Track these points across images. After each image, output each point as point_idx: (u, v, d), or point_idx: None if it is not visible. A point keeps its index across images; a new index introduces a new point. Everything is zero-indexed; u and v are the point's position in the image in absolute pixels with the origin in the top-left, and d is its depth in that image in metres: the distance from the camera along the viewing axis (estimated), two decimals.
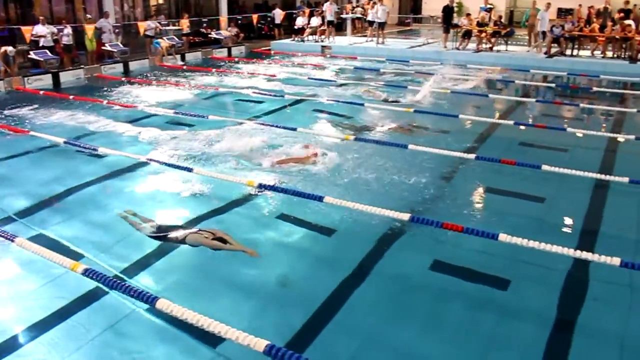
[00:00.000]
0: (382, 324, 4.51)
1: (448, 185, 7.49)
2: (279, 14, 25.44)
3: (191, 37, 21.98)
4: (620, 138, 9.65)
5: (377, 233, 5.91)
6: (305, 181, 7.31)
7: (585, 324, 4.48)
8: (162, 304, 4.22)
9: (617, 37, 19.30)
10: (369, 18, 23.75)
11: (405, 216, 5.93)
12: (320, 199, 6.39)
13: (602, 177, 7.37)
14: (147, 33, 19.13)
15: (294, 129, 9.75)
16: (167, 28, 20.38)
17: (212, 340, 4.06)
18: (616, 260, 4.88)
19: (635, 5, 20.36)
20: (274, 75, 16.16)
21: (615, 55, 19.48)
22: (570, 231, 6.25)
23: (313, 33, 23.88)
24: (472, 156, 8.26)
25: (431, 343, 4.33)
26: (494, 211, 6.66)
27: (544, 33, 19.88)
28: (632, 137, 9.36)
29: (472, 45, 21.23)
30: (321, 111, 11.67)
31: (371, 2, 24.60)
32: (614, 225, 6.24)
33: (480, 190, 7.40)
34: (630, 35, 19.07)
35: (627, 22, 19.47)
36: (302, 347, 4.15)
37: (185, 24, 21.11)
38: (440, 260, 5.43)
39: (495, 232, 5.38)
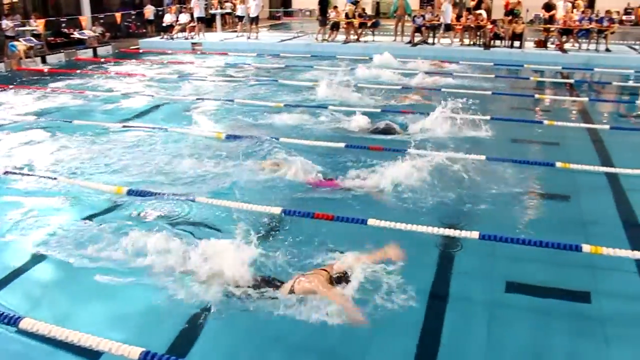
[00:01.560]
0: None
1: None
2: (150, 11, 24.67)
3: (52, 38, 20.76)
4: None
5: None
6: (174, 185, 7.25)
7: None
8: (26, 324, 4.05)
9: (472, 25, 20.71)
10: (238, 13, 23.68)
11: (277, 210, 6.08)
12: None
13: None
14: (7, 34, 17.84)
15: (165, 130, 9.60)
16: (23, 29, 19.08)
17: (88, 355, 3.96)
18: None
19: None
20: (144, 75, 15.72)
21: (471, 43, 20.89)
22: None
23: (182, 30, 23.43)
24: (341, 145, 8.57)
25: None
26: None
27: (446, 25, 20.86)
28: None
29: (340, 37, 21.87)
30: (192, 110, 11.50)
31: None
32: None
33: None
34: (483, 24, 20.53)
35: (479, 11, 20.95)
36: None
37: (41, 23, 19.85)
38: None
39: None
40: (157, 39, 23.41)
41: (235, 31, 24.72)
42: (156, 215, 6.32)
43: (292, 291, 4.53)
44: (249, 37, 22.63)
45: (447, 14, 20.62)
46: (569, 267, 5.38)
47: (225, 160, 8.05)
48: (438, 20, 21.23)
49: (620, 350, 4.23)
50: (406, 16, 21.83)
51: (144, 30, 24.91)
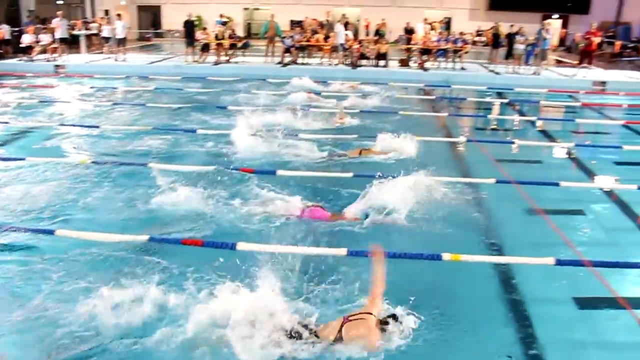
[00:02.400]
0: None
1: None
2: (5, 30, 23.08)
3: None
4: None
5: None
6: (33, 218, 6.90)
7: None
8: None
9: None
10: (104, 34, 22.87)
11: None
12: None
13: None
14: None
15: (22, 159, 9.08)
16: None
17: None
18: None
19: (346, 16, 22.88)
20: None
21: (341, 62, 21.72)
22: None
23: (43, 51, 22.20)
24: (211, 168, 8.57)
25: None
26: None
27: (342, 45, 21.36)
28: None
29: (211, 58, 21.84)
30: (54, 136, 10.94)
31: (106, 17, 23.77)
32: None
33: None
34: (349, 44, 21.42)
35: (346, 32, 21.84)
36: None
37: None
38: None
39: None
40: (14, 60, 22.00)
41: (102, 52, 23.83)
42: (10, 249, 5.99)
43: (339, 338, 4.30)
44: (116, 59, 21.95)
45: (340, 35, 21.37)
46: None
47: (91, 188, 7.78)
48: (308, 41, 21.87)
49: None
50: (277, 37, 22.25)
51: (2, 51, 23.31)
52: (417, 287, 5.30)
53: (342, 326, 4.33)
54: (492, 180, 8.42)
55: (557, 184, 8.47)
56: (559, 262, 5.86)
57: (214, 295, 4.73)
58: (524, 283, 5.64)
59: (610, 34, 29.56)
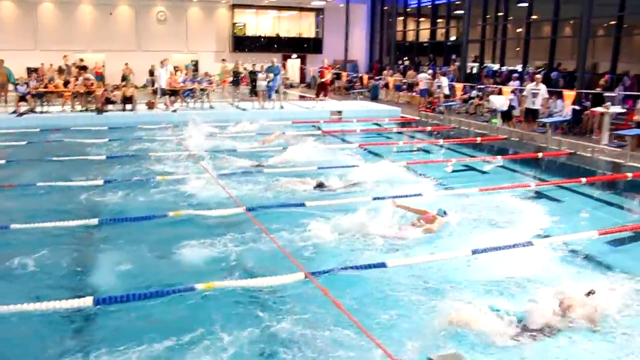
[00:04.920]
0: None
1: None
2: None
3: None
4: None
5: None
6: None
7: None
8: None
9: (81, 91, 20.75)
10: None
11: None
12: None
13: None
14: None
15: None
16: None
17: None
18: None
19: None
20: None
21: (84, 108, 20.86)
22: None
23: None
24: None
25: None
26: None
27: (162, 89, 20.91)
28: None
29: None
30: None
31: None
32: None
33: None
34: (93, 89, 20.78)
35: (86, 75, 21.15)
36: None
37: None
38: None
39: None
40: None
41: None
42: None
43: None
44: None
45: (162, 78, 20.85)
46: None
47: None
48: (46, 88, 20.66)
49: None
50: (9, 84, 20.65)
51: None
52: None
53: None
54: None
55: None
56: None
57: None
58: None
59: (338, 70, 33.01)
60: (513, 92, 18.99)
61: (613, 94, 17.08)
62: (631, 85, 19.14)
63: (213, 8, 35.26)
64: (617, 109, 15.90)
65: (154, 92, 22.15)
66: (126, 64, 23.13)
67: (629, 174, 11.98)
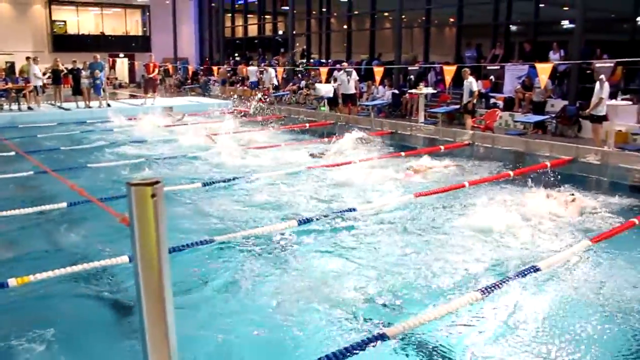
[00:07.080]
0: None
1: None
2: None
3: None
4: None
5: None
6: None
7: None
8: None
9: None
10: None
11: None
12: None
13: None
14: None
15: None
16: None
17: None
18: None
19: None
20: None
21: None
22: None
23: None
24: None
25: None
26: None
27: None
28: None
29: None
30: None
31: None
32: None
33: None
34: None
35: None
36: None
37: None
38: None
39: None
40: None
41: None
42: None
43: None
44: None
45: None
46: None
47: None
48: None
49: None
50: None
51: None
52: None
53: None
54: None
55: None
56: None
57: None
58: None
59: (167, 67, 32.42)
60: (335, 80, 20.23)
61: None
62: (441, 71, 21.26)
63: (26, 4, 33.00)
64: (430, 90, 17.72)
65: None
66: None
67: (442, 147, 13.64)
